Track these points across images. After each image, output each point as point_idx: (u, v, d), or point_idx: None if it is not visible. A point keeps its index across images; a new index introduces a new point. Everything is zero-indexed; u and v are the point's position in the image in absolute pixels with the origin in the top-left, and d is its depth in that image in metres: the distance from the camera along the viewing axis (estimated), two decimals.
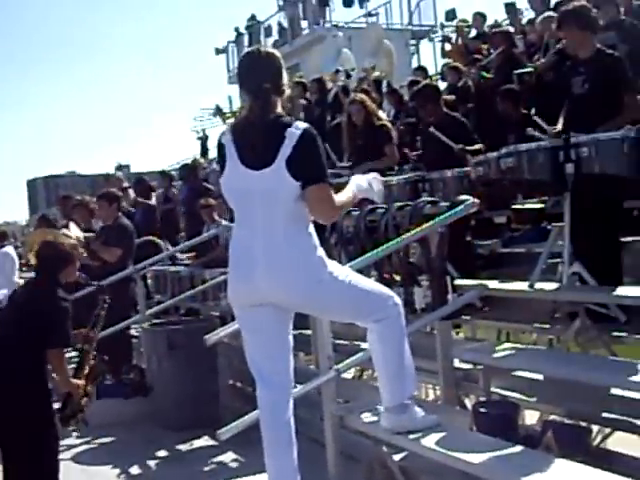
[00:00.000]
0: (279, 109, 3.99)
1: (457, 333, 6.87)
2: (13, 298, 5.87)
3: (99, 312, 6.43)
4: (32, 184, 43.28)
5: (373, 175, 4.33)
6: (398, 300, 4.16)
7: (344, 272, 4.05)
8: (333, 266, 3.99)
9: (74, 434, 7.67)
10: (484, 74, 10.21)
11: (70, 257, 5.75)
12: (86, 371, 5.92)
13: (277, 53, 4.12)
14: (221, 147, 4.04)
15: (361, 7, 24.76)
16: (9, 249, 12.01)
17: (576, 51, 5.96)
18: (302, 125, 3.87)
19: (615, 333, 5.37)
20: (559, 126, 5.81)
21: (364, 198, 4.38)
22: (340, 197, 3.99)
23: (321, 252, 3.94)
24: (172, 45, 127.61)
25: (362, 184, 4.19)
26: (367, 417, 4.55)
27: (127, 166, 20.39)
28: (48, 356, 5.38)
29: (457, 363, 5.48)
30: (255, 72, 3.99)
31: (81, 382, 5.75)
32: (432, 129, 7.65)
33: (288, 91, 4.17)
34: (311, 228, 3.95)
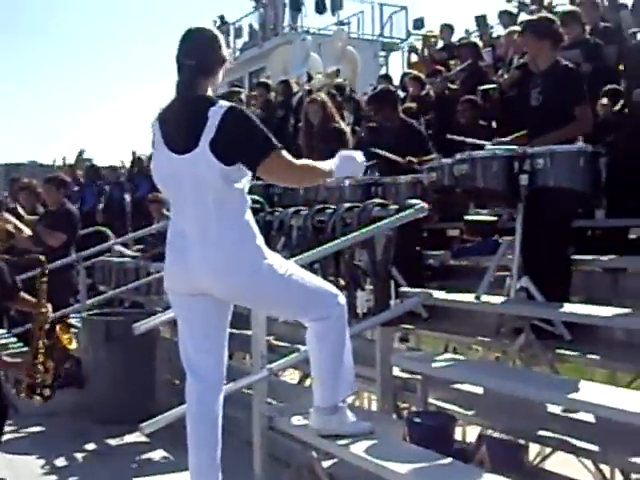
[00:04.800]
0: (208, 92, 3.81)
1: (404, 345, 6.78)
2: None
3: (40, 284, 6.26)
4: None
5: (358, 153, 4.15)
6: (343, 300, 4.00)
7: (286, 265, 3.87)
8: (273, 258, 3.82)
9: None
10: (450, 85, 10.18)
11: None
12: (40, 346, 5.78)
13: (214, 32, 3.94)
14: (153, 134, 3.89)
15: (333, 15, 24.80)
16: None
17: (535, 62, 5.91)
18: (226, 103, 3.70)
19: (559, 351, 5.28)
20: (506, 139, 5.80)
21: None
22: (315, 163, 3.89)
23: (260, 241, 3.76)
24: (140, 40, 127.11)
25: (345, 160, 4.03)
26: (298, 420, 4.42)
27: (89, 159, 20.07)
28: None
29: (397, 372, 5.39)
30: (182, 49, 3.81)
31: (33, 357, 5.68)
32: (376, 150, 7.53)
33: (221, 75, 3.93)
34: (248, 215, 3.76)
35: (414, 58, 13.96)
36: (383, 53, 25.68)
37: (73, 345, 6.18)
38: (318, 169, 3.94)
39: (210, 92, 3.83)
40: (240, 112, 3.71)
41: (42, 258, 6.12)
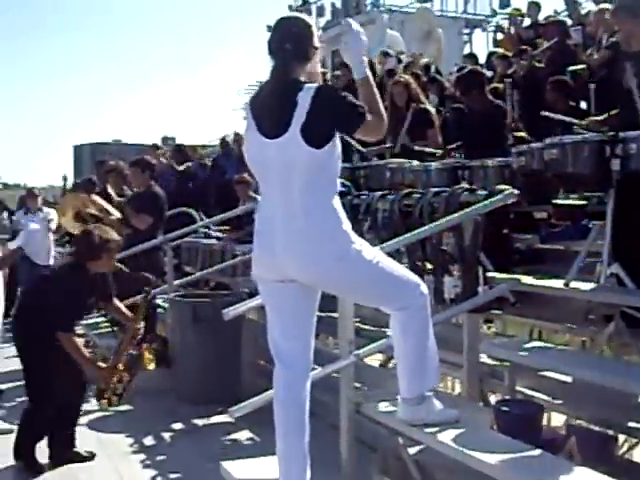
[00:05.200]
0: (302, 77, 3.82)
1: (488, 328, 6.71)
2: (47, 271, 6.33)
3: (143, 301, 6.67)
4: (79, 150, 43.67)
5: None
6: (425, 290, 3.97)
7: (372, 252, 3.86)
8: (361, 244, 3.80)
9: (92, 400, 7.65)
10: (536, 64, 9.98)
11: (98, 251, 5.99)
12: (123, 358, 6.22)
13: (307, 19, 3.96)
14: (246, 117, 3.94)
15: None
16: (50, 210, 12.45)
17: (628, 42, 5.73)
18: (313, 85, 3.71)
19: None
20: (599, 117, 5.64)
21: None
22: (369, 107, 3.75)
23: (347, 227, 3.75)
24: (224, 21, 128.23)
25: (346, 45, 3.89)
26: (385, 406, 4.41)
27: (173, 138, 20.29)
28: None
29: (484, 358, 5.34)
30: (277, 34, 3.84)
31: (114, 366, 6.13)
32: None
33: (317, 59, 3.93)
34: (335, 201, 3.76)
35: (500, 36, 13.76)
36: (467, 30, 25.30)
37: (152, 366, 6.50)
38: (371, 94, 3.82)
39: (303, 78, 3.82)
40: (327, 90, 3.76)
41: (152, 279, 6.45)
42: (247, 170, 4.47)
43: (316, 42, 3.88)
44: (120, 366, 6.15)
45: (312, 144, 3.62)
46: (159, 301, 9.46)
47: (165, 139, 19.95)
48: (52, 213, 12.44)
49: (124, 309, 6.46)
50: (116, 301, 6.40)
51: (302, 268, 3.73)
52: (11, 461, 5.96)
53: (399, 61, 14.56)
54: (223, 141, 14.70)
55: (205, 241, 10.07)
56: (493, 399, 5.65)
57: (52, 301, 5.73)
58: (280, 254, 3.72)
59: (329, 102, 3.68)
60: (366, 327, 6.58)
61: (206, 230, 10.52)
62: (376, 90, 3.89)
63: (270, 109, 3.76)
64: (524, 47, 10.71)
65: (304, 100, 3.64)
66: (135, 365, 6.26)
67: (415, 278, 3.99)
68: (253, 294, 8.36)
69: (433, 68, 13.31)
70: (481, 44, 23.49)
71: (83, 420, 6.98)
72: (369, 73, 3.85)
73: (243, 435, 6.63)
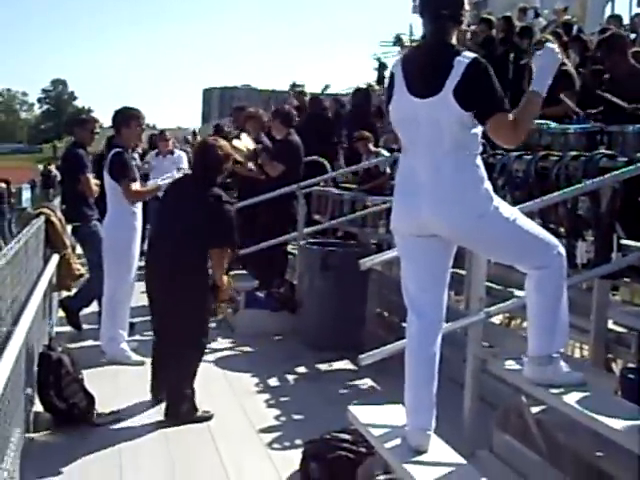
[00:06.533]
0: (454, 39, 3.90)
1: (613, 295, 6.66)
2: (172, 193, 6.30)
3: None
4: (208, 93, 44.30)
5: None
6: (563, 251, 3.99)
7: (510, 210, 3.92)
8: (499, 202, 3.88)
9: (219, 338, 7.94)
10: None
11: (222, 162, 6.08)
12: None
13: None
14: (392, 76, 4.01)
15: None
16: (181, 153, 12.67)
17: None
18: (471, 54, 3.77)
19: None
20: None
21: None
22: (519, 114, 3.78)
23: (488, 185, 3.83)
24: None
25: (542, 60, 3.90)
26: (510, 364, 4.45)
27: (302, 86, 20.40)
28: (211, 253, 5.92)
29: (610, 324, 5.32)
30: (434, 1, 3.92)
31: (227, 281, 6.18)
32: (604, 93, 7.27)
33: (466, 22, 4.03)
34: (478, 160, 3.83)
35: None
36: None
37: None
38: (533, 109, 3.88)
39: (454, 40, 3.91)
40: (484, 66, 3.76)
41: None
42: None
43: (467, 5, 3.96)
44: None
45: (462, 106, 3.70)
46: (290, 247, 9.69)
47: (294, 85, 20.11)
48: (183, 157, 12.71)
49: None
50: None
51: (446, 224, 3.82)
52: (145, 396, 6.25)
53: (536, 15, 14.30)
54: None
55: (336, 191, 10.19)
56: (615, 366, 5.63)
57: (225, 219, 5.91)
58: (425, 210, 3.81)
59: (479, 76, 3.73)
60: (493, 286, 6.62)
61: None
62: (536, 111, 3.94)
63: (424, 69, 3.83)
64: None
65: (460, 65, 3.70)
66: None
67: (553, 239, 4.01)
68: (380, 245, 8.52)
69: (575, 27, 13.02)
70: (624, 2, 22.70)
71: (209, 357, 7.28)
72: (544, 93, 3.85)
73: (364, 383, 6.79)
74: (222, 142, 6.27)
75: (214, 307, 6.31)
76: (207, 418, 5.91)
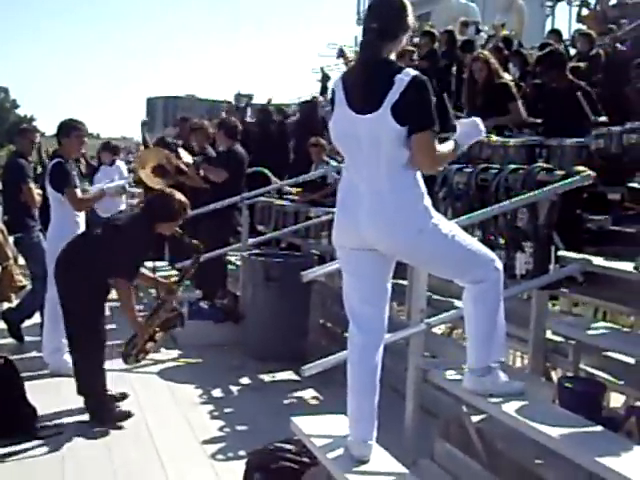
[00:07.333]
0: (392, 55, 3.93)
1: (553, 305, 6.77)
2: (111, 220, 6.48)
3: (188, 269, 6.83)
4: (152, 102, 43.96)
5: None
6: (500, 265, 4.08)
7: (449, 226, 3.99)
8: (438, 218, 3.93)
9: (162, 349, 7.91)
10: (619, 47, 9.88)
11: (174, 216, 6.17)
12: (160, 319, 6.40)
13: (405, 2, 3.97)
14: (333, 93, 4.05)
15: None
16: (120, 163, 12.70)
17: None
18: (412, 72, 3.80)
19: None
20: None
21: None
22: (442, 148, 3.92)
23: (427, 202, 3.88)
24: None
25: (468, 128, 4.12)
26: (451, 374, 4.53)
27: (248, 96, 20.29)
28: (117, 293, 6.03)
29: (549, 334, 5.42)
30: (371, 13, 3.96)
31: (149, 326, 6.29)
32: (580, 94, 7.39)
33: (404, 40, 4.04)
34: (418, 176, 3.88)
35: (585, 12, 13.57)
36: (550, 3, 24.83)
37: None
38: (449, 155, 4.05)
39: (393, 56, 3.94)
40: (424, 83, 3.78)
41: (200, 246, 6.59)
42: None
43: (410, 22, 3.98)
44: (151, 329, 6.34)
45: (398, 122, 3.74)
46: (232, 258, 9.69)
47: (239, 96, 20.02)
48: (122, 166, 12.70)
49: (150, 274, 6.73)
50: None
51: (384, 238, 3.87)
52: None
53: (477, 31, 14.47)
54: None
55: (279, 202, 10.22)
56: (554, 375, 5.74)
57: (119, 248, 5.88)
58: (364, 224, 3.86)
59: (417, 92, 3.76)
60: (434, 296, 6.69)
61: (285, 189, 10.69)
62: (453, 156, 4.15)
63: (363, 86, 3.85)
64: (610, 26, 10.59)
65: (401, 83, 3.73)
66: (166, 324, 6.48)
67: (490, 253, 4.10)
68: (323, 256, 8.56)
69: (515, 42, 13.21)
70: (563, 18, 23.10)
71: (153, 368, 7.28)
72: (462, 149, 4.12)
73: (308, 393, 6.83)
74: (179, 195, 6.30)
75: (135, 353, 6.30)
76: (127, 416, 6.07)
